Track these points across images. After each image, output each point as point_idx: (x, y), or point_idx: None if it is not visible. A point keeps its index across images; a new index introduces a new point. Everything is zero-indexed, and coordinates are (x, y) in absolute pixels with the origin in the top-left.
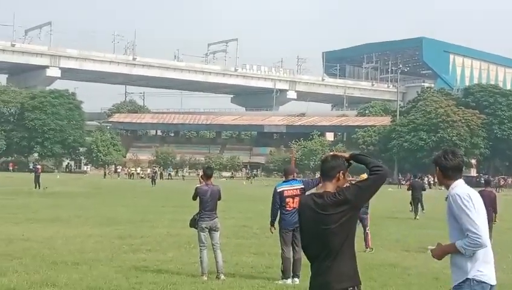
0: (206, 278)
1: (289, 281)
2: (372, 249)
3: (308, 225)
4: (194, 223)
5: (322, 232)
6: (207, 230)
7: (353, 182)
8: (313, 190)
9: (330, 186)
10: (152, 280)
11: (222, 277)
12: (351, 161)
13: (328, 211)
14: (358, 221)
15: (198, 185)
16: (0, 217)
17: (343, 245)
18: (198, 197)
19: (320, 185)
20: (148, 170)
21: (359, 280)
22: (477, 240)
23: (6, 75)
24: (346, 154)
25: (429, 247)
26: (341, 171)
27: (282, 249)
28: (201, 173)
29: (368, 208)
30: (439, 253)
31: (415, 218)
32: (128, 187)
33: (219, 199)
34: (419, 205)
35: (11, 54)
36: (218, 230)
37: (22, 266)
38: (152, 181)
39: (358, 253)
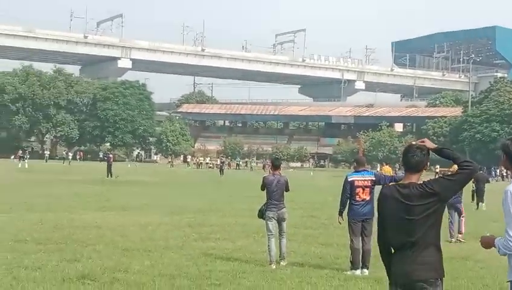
0: (274, 266)
1: (358, 271)
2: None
3: (392, 215)
4: (261, 214)
5: (406, 222)
6: (274, 219)
7: (441, 175)
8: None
9: (415, 178)
10: (221, 268)
11: (283, 262)
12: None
13: (413, 201)
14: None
15: (265, 175)
16: (74, 205)
17: (428, 236)
18: (265, 187)
19: (404, 176)
20: (218, 160)
21: (443, 272)
22: (510, 243)
23: (80, 67)
24: (432, 145)
25: (484, 235)
26: (427, 164)
27: (351, 240)
28: (265, 163)
29: (461, 197)
30: (485, 243)
31: (476, 209)
32: (196, 177)
33: (287, 190)
34: (483, 197)
35: (83, 46)
36: (285, 220)
37: (95, 253)
38: (220, 171)
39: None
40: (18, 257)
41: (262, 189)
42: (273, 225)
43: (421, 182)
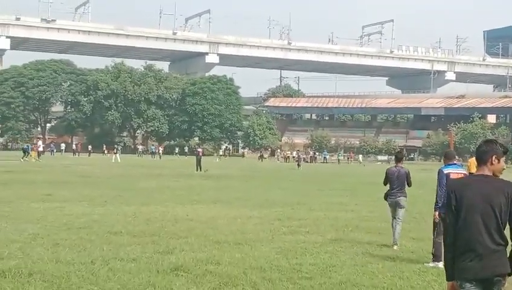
0: (396, 248)
1: (441, 264)
2: None
3: (473, 204)
4: (386, 197)
5: (487, 212)
6: (392, 206)
7: None
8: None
9: (486, 170)
10: (312, 262)
11: (395, 247)
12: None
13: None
14: None
15: (388, 167)
16: (166, 198)
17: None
18: (388, 178)
19: (478, 168)
20: (295, 153)
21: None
22: None
23: (169, 63)
24: None
25: None
26: (494, 156)
27: (436, 233)
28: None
29: None
30: None
31: None
32: (283, 170)
33: (408, 182)
34: None
35: (172, 42)
36: (402, 207)
37: (187, 245)
38: (297, 165)
39: None
40: (114, 249)
41: (385, 183)
42: (391, 210)
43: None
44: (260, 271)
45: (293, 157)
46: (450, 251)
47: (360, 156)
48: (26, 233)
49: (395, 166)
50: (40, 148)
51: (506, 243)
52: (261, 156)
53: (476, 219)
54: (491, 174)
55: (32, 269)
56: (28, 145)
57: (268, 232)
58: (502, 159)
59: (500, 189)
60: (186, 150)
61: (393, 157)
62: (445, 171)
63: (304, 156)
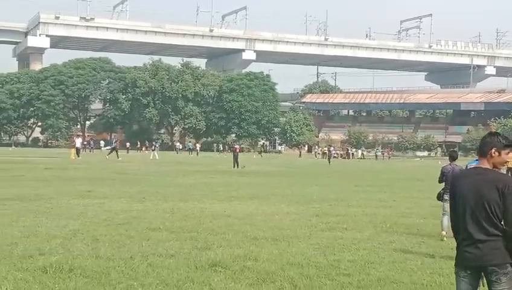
0: (445, 233)
1: None
2: None
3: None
4: (439, 196)
5: (477, 203)
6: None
7: None
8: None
9: (485, 162)
10: (350, 258)
11: (445, 238)
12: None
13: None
14: None
15: (443, 166)
16: (204, 194)
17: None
18: (443, 176)
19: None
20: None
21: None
22: None
23: (206, 60)
24: None
25: None
26: (493, 148)
27: None
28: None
29: None
30: None
31: None
32: (321, 166)
33: None
34: None
35: (209, 39)
36: None
37: (225, 241)
38: (328, 159)
39: None
40: (152, 245)
41: (440, 181)
42: (447, 205)
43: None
44: (298, 267)
45: (324, 153)
46: (456, 239)
47: (360, 151)
48: (66, 229)
49: (450, 164)
50: (78, 145)
51: (504, 234)
52: (300, 152)
53: (467, 209)
54: (491, 166)
55: (72, 265)
56: (113, 141)
57: (305, 228)
58: (504, 152)
59: (491, 182)
60: (221, 147)
61: (448, 156)
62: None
63: (341, 152)
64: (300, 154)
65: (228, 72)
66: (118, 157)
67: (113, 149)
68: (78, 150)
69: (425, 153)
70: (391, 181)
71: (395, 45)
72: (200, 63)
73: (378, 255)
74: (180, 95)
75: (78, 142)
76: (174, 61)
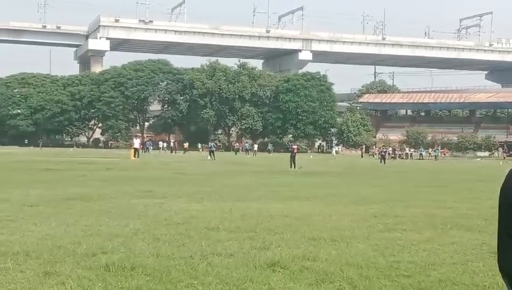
0: None
1: None
2: None
3: None
4: None
5: None
6: None
7: None
8: None
9: None
10: (410, 259)
11: None
12: None
13: None
14: None
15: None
16: (261, 194)
17: None
18: None
19: None
20: (403, 150)
21: None
22: None
23: (262, 60)
24: None
25: None
26: None
27: None
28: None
29: None
30: None
31: None
32: (378, 167)
33: None
34: None
35: (266, 40)
36: None
37: (283, 241)
38: (381, 160)
39: None
40: (211, 244)
41: None
42: None
43: None
44: (357, 268)
45: (377, 153)
46: None
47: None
48: (128, 228)
49: None
50: (136, 146)
51: None
52: (361, 152)
53: None
54: None
55: (134, 263)
56: (212, 144)
57: (364, 229)
58: None
59: None
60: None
61: (502, 153)
62: None
63: (399, 153)
64: (362, 155)
65: (285, 73)
66: (210, 157)
67: (211, 152)
68: (136, 151)
69: (486, 154)
70: (451, 182)
71: (454, 44)
72: (257, 63)
73: (439, 257)
74: (237, 96)
75: (137, 143)
76: (231, 62)
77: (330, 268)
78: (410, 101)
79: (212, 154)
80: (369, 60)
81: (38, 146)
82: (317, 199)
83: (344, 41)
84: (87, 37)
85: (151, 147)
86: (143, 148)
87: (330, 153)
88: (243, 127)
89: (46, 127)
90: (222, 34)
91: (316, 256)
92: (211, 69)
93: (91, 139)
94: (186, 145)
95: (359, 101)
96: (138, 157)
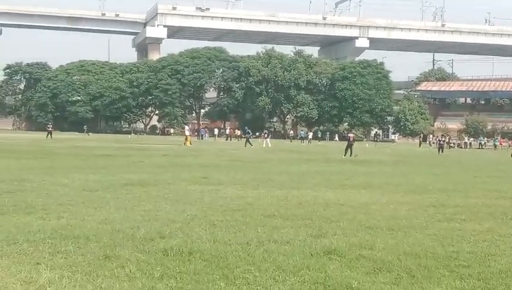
0: None
1: None
2: None
3: None
4: None
5: None
6: None
7: None
8: None
9: None
10: (469, 250)
11: None
12: None
13: None
14: None
15: None
16: (316, 182)
17: None
18: None
19: None
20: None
21: None
22: None
23: (318, 48)
24: None
25: None
26: None
27: None
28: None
29: None
30: None
31: None
32: (436, 156)
33: None
34: None
35: (322, 27)
36: None
37: (339, 229)
38: (439, 149)
39: None
40: (268, 231)
41: None
42: None
43: None
44: (415, 258)
45: (434, 142)
46: None
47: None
48: (185, 214)
49: None
50: (187, 133)
51: None
52: (420, 141)
53: None
54: None
55: (192, 248)
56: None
57: (422, 218)
58: None
59: None
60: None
61: None
62: None
63: (458, 142)
64: (420, 144)
65: (341, 60)
66: (251, 145)
67: (247, 139)
68: (187, 138)
69: None
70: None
71: None
72: (313, 51)
73: (499, 248)
74: (293, 84)
75: (187, 129)
76: (287, 50)
77: (387, 257)
78: (470, 89)
79: (248, 141)
80: (428, 47)
81: (85, 132)
82: (373, 188)
83: (402, 28)
84: (145, 24)
85: (207, 135)
86: (197, 135)
87: (388, 141)
88: (298, 114)
89: (105, 113)
90: (278, 21)
91: (373, 245)
92: (267, 56)
93: (148, 126)
94: (238, 132)
95: (417, 89)
96: (190, 144)
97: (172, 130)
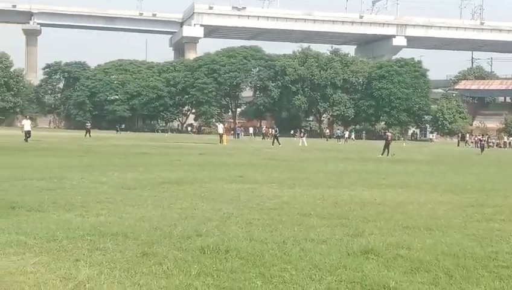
0: None
1: None
2: None
3: None
4: None
5: None
6: None
7: None
8: None
9: None
10: (509, 250)
11: None
12: None
13: None
14: None
15: None
16: (353, 181)
17: None
18: None
19: None
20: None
21: None
22: None
23: (355, 46)
24: None
25: None
26: None
27: None
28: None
29: None
30: None
31: None
32: (474, 155)
33: None
34: None
35: (359, 26)
36: None
37: (376, 229)
38: (481, 148)
39: None
40: (304, 230)
41: None
42: None
43: None
44: (453, 258)
45: (473, 141)
46: None
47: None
48: (221, 212)
49: None
50: (220, 131)
51: None
52: (458, 140)
53: None
54: None
55: (228, 246)
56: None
57: (460, 218)
58: None
59: None
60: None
61: None
62: None
63: (497, 141)
64: (458, 143)
65: (378, 59)
66: (279, 144)
67: (276, 137)
68: (221, 136)
69: None
70: None
71: None
72: (349, 49)
73: None
74: (329, 83)
75: (220, 128)
76: (323, 49)
77: (425, 257)
78: (510, 88)
79: (276, 139)
80: (466, 46)
81: (117, 131)
82: (410, 187)
83: (440, 26)
84: (181, 24)
85: (242, 133)
86: (233, 134)
87: (426, 140)
88: (335, 113)
89: (142, 112)
90: (314, 20)
91: (411, 244)
92: (303, 55)
93: (184, 125)
94: (271, 131)
95: (455, 87)
96: (226, 142)
97: (204, 129)
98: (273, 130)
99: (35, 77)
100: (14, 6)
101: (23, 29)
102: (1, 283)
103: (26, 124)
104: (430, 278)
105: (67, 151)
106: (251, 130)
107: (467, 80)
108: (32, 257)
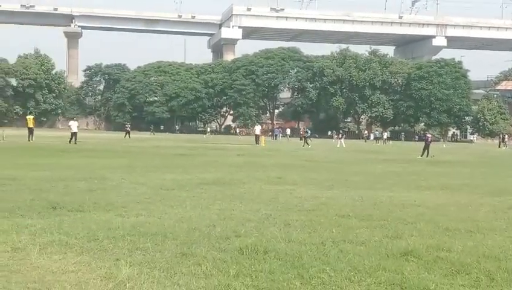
0: None
1: None
2: None
3: None
4: None
5: None
6: None
7: None
8: None
9: None
10: None
11: None
12: None
13: None
14: None
15: None
16: (392, 183)
17: None
18: None
19: None
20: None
21: None
22: None
23: (394, 47)
24: None
25: None
26: None
27: None
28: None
29: None
30: None
31: None
32: None
33: None
34: None
35: (398, 26)
36: None
37: (416, 231)
38: None
39: None
40: (342, 231)
41: None
42: None
43: None
44: (495, 260)
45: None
46: None
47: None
48: (259, 213)
49: None
50: (257, 132)
51: None
52: (500, 143)
53: None
54: None
55: (266, 247)
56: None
57: (502, 221)
58: None
59: None
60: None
61: None
62: None
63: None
64: (499, 145)
65: (417, 59)
66: (308, 145)
67: (305, 138)
68: (257, 137)
69: None
70: None
71: None
72: (388, 50)
73: None
74: (368, 83)
75: (257, 129)
76: (362, 49)
77: (466, 259)
78: None
79: (306, 140)
80: (508, 46)
81: (151, 132)
82: (450, 189)
83: (481, 27)
84: (220, 26)
85: (280, 135)
86: (271, 135)
87: (466, 141)
88: (373, 115)
89: (181, 114)
90: (353, 21)
91: (451, 247)
92: (341, 56)
93: (223, 126)
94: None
95: (496, 88)
96: (257, 143)
97: (238, 130)
98: (305, 132)
99: (76, 79)
100: (56, 9)
101: (64, 32)
102: (43, 282)
103: (74, 126)
104: (471, 281)
105: (108, 153)
106: (288, 131)
107: (508, 80)
108: (73, 256)
